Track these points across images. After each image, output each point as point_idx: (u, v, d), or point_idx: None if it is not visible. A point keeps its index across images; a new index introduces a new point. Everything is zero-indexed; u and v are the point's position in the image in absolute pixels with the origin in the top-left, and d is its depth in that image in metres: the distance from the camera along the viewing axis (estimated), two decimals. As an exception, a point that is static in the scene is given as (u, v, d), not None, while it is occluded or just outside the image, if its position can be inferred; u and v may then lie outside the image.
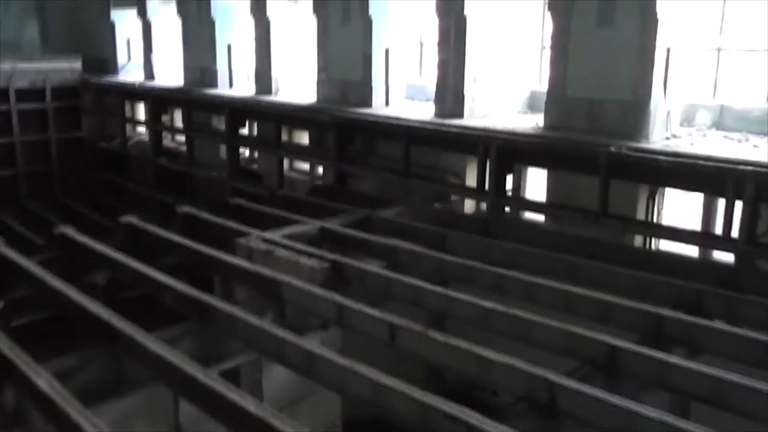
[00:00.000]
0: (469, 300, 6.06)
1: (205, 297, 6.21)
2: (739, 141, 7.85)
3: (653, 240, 8.43)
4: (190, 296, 6.27)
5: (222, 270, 7.56)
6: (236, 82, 13.92)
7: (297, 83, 12.65)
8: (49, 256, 8.02)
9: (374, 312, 5.78)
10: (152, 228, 8.57)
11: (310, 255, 7.36)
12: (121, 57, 16.95)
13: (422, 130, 9.48)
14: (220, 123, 14.16)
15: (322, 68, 11.53)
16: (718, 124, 8.61)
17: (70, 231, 8.25)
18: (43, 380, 4.93)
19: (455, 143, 9.24)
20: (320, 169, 12.54)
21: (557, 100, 8.61)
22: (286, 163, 12.88)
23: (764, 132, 8.07)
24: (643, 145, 7.68)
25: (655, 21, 7.66)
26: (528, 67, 10.25)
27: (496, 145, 8.59)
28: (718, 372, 4.62)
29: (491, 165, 8.69)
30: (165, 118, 15.32)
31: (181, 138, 15.70)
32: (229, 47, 13.71)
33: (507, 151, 8.62)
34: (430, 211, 9.51)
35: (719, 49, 8.59)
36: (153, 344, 5.48)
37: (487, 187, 8.88)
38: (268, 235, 8.10)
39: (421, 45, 11.89)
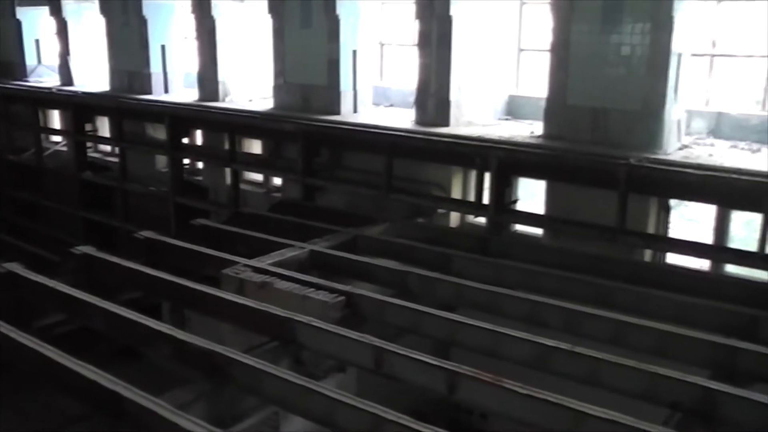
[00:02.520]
0: (523, 337, 5.39)
1: (218, 348, 5.22)
2: (752, 151, 7.56)
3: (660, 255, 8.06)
4: (199, 348, 5.26)
5: (210, 307, 6.56)
6: (172, 87, 12.67)
7: (247, 89, 11.60)
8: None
9: (426, 358, 4.99)
10: (115, 259, 7.40)
11: (316, 286, 6.51)
12: (30, 60, 15.19)
13: (408, 141, 8.74)
14: (155, 132, 12.89)
15: (279, 73, 10.57)
16: (714, 132, 8.34)
17: (18, 268, 6.97)
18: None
19: (446, 154, 8.56)
20: (275, 181, 11.54)
21: (558, 108, 8.08)
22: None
23: (764, 140, 7.83)
24: (661, 156, 7.25)
25: (670, 24, 7.24)
26: (503, 70, 9.69)
27: (497, 157, 7.97)
28: None
29: (492, 177, 8.06)
30: (87, 127, 13.78)
31: (107, 149, 14.29)
32: (163, 49, 12.45)
33: (508, 163, 8.01)
34: (415, 227, 8.80)
35: (712, 56, 8.32)
36: (167, 412, 4.50)
37: (486, 201, 8.25)
38: (255, 263, 7.15)
39: (382, 46, 11.15)
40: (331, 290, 6.39)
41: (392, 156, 8.97)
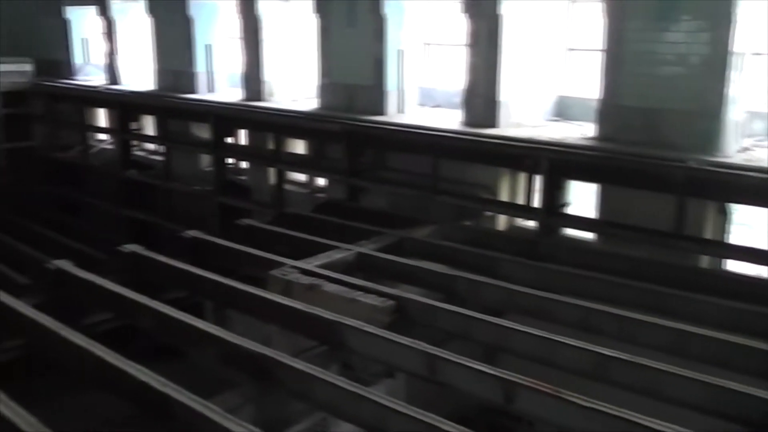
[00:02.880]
0: (578, 345, 5.22)
1: (267, 352, 5.14)
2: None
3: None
4: (248, 351, 5.19)
5: (257, 308, 6.50)
6: (216, 86, 12.70)
7: (291, 88, 11.54)
8: (44, 299, 6.72)
9: (481, 366, 4.85)
10: (162, 258, 7.39)
11: (364, 290, 6.41)
12: (77, 59, 15.37)
13: (455, 141, 8.59)
14: (199, 131, 12.93)
15: (324, 72, 10.50)
16: (774, 133, 8.04)
17: (67, 266, 7.00)
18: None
19: (494, 156, 8.40)
20: (319, 181, 11.47)
21: (611, 109, 7.86)
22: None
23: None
24: (721, 159, 7.00)
25: (729, 22, 6.98)
26: (552, 70, 9.47)
27: (548, 159, 7.78)
28: None
29: (543, 180, 7.88)
30: (132, 126, 13.88)
31: (151, 147, 14.38)
32: (208, 48, 12.48)
33: (559, 165, 7.82)
34: (462, 230, 8.64)
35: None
36: (217, 416, 4.43)
37: (536, 203, 8.07)
38: (302, 264, 7.08)
39: (427, 46, 11.01)
40: (380, 294, 6.29)
41: (439, 157, 8.84)
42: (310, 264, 7.09)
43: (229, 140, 12.11)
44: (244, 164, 12.70)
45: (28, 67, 14.91)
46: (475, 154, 8.60)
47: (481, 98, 8.88)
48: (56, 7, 15.10)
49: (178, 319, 5.86)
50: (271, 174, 11.73)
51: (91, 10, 14.54)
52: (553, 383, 4.58)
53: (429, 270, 7.06)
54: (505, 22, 8.57)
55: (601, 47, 7.96)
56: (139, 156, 14.13)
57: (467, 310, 6.00)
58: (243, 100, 11.57)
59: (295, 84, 11.67)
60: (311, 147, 11.50)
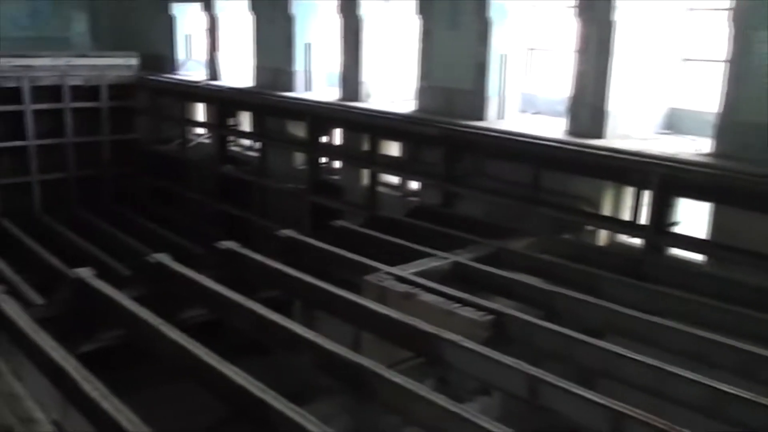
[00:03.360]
0: (694, 378, 4.88)
1: (365, 362, 5.02)
2: None
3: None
4: (344, 360, 5.09)
5: (351, 313, 6.41)
6: (313, 85, 12.74)
7: (389, 90, 11.45)
8: (143, 292, 6.83)
9: (589, 394, 4.59)
10: (257, 257, 7.41)
11: (461, 301, 6.22)
12: (180, 54, 15.76)
13: (559, 152, 8.28)
14: (295, 129, 13.01)
15: (424, 75, 10.35)
16: None
17: (166, 260, 7.09)
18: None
19: (600, 168, 8.05)
20: (412, 185, 11.32)
21: (730, 124, 7.38)
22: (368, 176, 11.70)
23: None
24: None
25: None
26: (664, 81, 9.00)
27: (660, 174, 7.39)
28: None
29: (653, 196, 7.49)
30: (230, 121, 14.13)
31: (247, 143, 14.60)
32: (308, 47, 12.53)
33: (672, 182, 7.41)
34: (562, 243, 8.33)
35: None
36: (314, 427, 4.33)
37: (645, 220, 7.68)
38: (397, 271, 6.95)
39: (530, 51, 10.68)
40: (477, 307, 6.09)
41: (541, 167, 8.55)
42: (406, 271, 6.96)
43: (324, 139, 12.13)
44: (336, 164, 12.68)
45: (134, 62, 15.38)
46: (580, 166, 8.27)
47: (588, 107, 8.53)
48: (163, 3, 15.52)
49: (273, 321, 5.82)
50: (364, 175, 11.69)
51: (195, 7, 14.86)
52: (661, 416, 4.29)
53: (527, 284, 6.80)
54: (618, 28, 8.20)
55: (722, 58, 7.50)
56: (235, 151, 14.35)
57: (568, 329, 5.74)
58: (340, 99, 11.55)
59: (392, 86, 11.57)
60: (406, 150, 11.37)
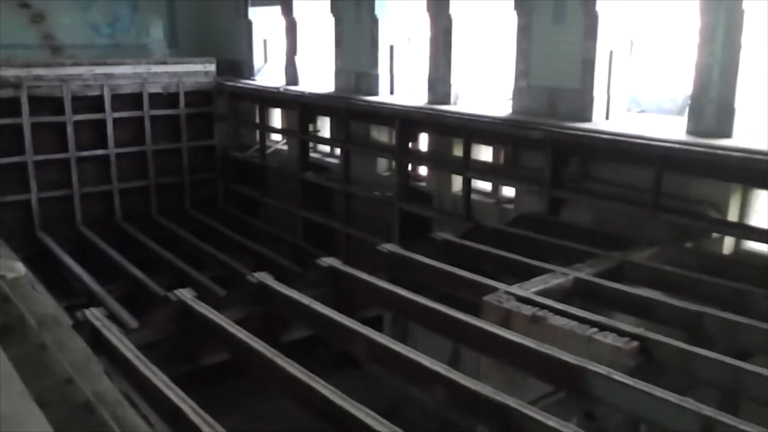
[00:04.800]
0: None
1: (508, 401, 4.47)
2: None
3: None
4: (486, 397, 4.55)
5: (472, 338, 5.87)
6: (396, 88, 12.26)
7: (479, 92, 10.88)
8: (245, 314, 6.44)
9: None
10: (362, 275, 6.94)
11: (595, 324, 5.61)
12: (257, 59, 15.49)
13: (684, 153, 7.56)
14: (380, 135, 12.56)
15: (521, 74, 9.73)
16: None
17: (269, 280, 6.69)
18: None
19: (732, 170, 7.32)
20: (505, 191, 10.71)
21: None
22: (458, 182, 11.15)
23: None
24: None
25: None
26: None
27: (808, 179, 6.62)
28: None
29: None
30: (310, 127, 13.75)
31: (326, 150, 14.21)
32: (391, 49, 12.05)
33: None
34: (689, 253, 7.62)
35: None
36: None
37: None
38: (518, 290, 6.37)
39: (631, 44, 9.94)
40: (617, 332, 5.48)
41: (662, 170, 7.85)
42: (527, 290, 6.37)
43: (410, 145, 11.63)
44: (422, 170, 12.15)
45: (212, 68, 15.20)
46: (708, 168, 7.53)
47: (713, 104, 7.78)
48: (241, 8, 15.28)
49: (393, 350, 5.32)
50: (454, 181, 11.14)
51: (272, 11, 14.56)
52: None
53: (667, 303, 6.14)
54: (746, 16, 7.44)
55: None
56: (315, 158, 13.98)
57: (726, 356, 5.09)
58: (428, 103, 11.03)
59: (482, 87, 10.99)
60: (503, 154, 10.78)
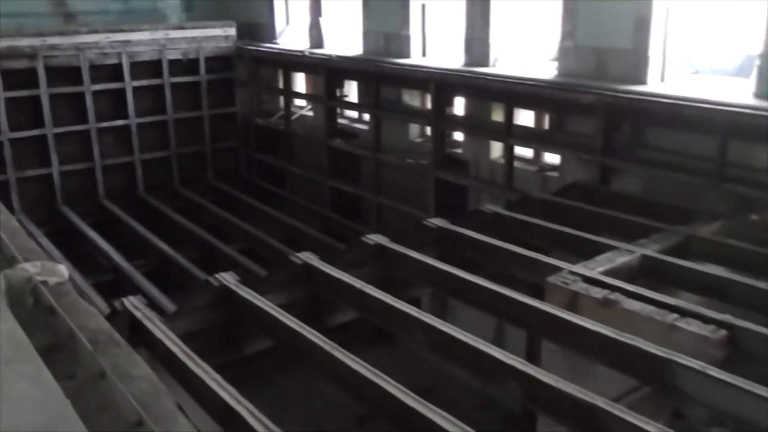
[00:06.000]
0: None
1: (598, 401, 4.05)
2: None
3: None
4: (569, 396, 4.13)
5: (535, 322, 5.45)
6: (429, 50, 11.68)
7: (519, 52, 10.28)
8: (290, 298, 6.03)
9: None
10: (412, 253, 6.50)
11: (678, 311, 5.16)
12: (279, 21, 14.86)
13: (754, 119, 7.00)
14: (412, 99, 12.02)
15: (567, 34, 9.14)
16: None
17: (315, 260, 6.26)
18: None
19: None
20: (547, 157, 10.20)
21: None
22: (496, 149, 10.64)
23: None
24: None
25: None
26: None
27: None
28: None
29: None
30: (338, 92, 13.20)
31: (354, 115, 13.69)
32: (423, 8, 11.44)
33: None
34: (757, 227, 7.11)
35: None
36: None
37: None
38: (582, 270, 5.93)
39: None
40: (701, 318, 5.03)
41: (728, 137, 7.32)
42: (592, 270, 5.93)
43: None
44: (456, 136, 11.62)
45: (232, 31, 14.60)
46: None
47: (785, 65, 7.22)
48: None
49: (460, 339, 4.90)
50: (493, 148, 10.63)
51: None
52: None
53: (747, 285, 5.67)
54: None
55: None
56: (342, 124, 13.46)
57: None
58: (464, 65, 10.45)
59: (522, 48, 10.39)
60: (540, 119, 10.24)
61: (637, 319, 5.14)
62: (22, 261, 3.08)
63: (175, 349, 4.81)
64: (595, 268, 5.96)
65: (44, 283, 2.84)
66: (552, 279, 5.75)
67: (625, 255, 6.24)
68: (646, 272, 6.26)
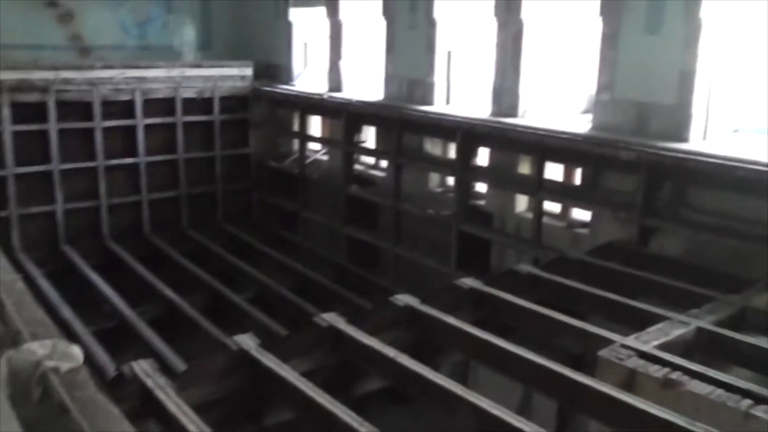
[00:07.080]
0: None
1: None
2: None
3: None
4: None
5: (588, 401, 4.92)
6: (453, 98, 11.33)
7: (549, 104, 9.91)
8: (314, 364, 5.50)
9: None
10: (446, 318, 5.99)
11: (747, 395, 4.64)
12: (297, 63, 14.57)
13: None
14: (433, 148, 11.61)
15: (604, 86, 8.76)
16: None
17: (341, 324, 5.75)
18: None
19: None
20: (575, 214, 9.73)
21: None
22: (522, 202, 10.20)
23: None
24: None
25: None
26: None
27: None
28: None
29: None
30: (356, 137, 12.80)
31: (370, 162, 13.28)
32: (449, 55, 11.12)
33: None
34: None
35: None
36: None
37: None
38: (636, 343, 5.41)
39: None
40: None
41: (780, 200, 6.87)
42: (647, 343, 5.41)
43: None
44: (478, 187, 11.16)
45: (249, 71, 14.31)
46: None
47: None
48: (281, 9, 14.37)
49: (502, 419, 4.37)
50: (518, 201, 10.19)
51: (315, 13, 13.67)
52: None
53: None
54: None
55: None
56: (359, 170, 13.05)
57: None
58: (492, 114, 10.07)
59: (552, 99, 10.02)
60: (570, 173, 9.80)
61: (705, 403, 4.61)
62: (29, 338, 2.58)
63: (192, 427, 4.26)
64: (649, 341, 5.45)
65: (55, 370, 2.33)
66: (605, 353, 5.23)
67: (679, 327, 5.73)
68: (701, 346, 5.75)
